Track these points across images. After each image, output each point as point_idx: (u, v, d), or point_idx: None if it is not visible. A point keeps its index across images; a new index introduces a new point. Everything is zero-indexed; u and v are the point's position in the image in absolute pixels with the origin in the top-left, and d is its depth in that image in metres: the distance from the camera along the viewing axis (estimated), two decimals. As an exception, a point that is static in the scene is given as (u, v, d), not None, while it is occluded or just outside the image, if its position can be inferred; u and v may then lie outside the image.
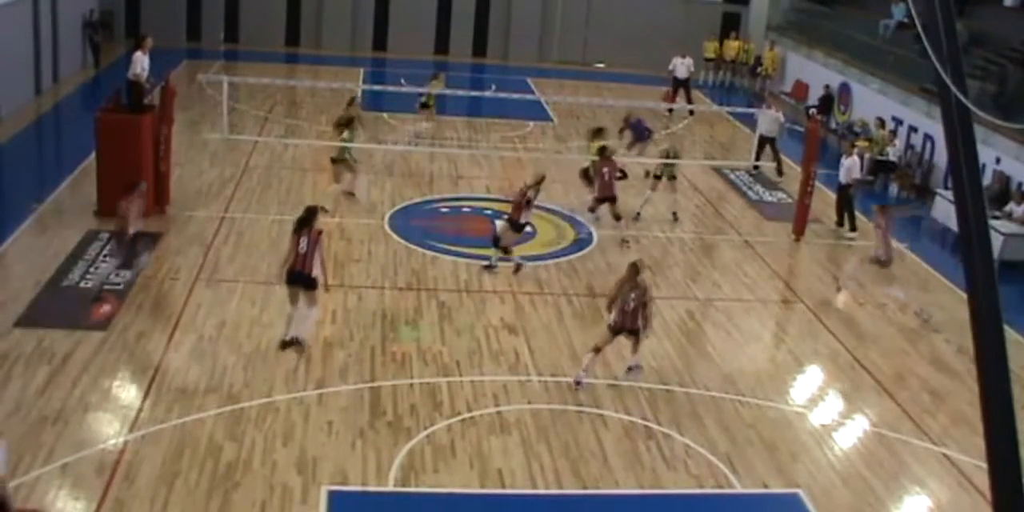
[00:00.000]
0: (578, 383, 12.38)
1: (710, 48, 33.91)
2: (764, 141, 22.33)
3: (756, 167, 22.56)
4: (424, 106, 22.74)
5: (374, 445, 10.84)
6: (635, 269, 12.41)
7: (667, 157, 19.45)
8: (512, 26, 35.35)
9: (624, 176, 18.30)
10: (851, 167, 19.08)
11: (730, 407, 12.33)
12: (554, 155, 23.02)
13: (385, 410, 11.59)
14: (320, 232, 12.61)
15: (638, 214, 18.92)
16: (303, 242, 12.42)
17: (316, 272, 12.54)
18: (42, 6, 24.91)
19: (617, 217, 17.58)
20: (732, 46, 33.97)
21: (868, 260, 16.07)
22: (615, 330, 12.46)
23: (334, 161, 18.38)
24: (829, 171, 22.39)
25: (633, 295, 12.28)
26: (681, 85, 28.85)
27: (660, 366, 13.20)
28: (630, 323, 12.37)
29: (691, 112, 28.28)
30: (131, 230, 14.87)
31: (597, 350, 12.49)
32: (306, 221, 12.55)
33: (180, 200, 17.88)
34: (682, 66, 28.81)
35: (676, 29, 34.43)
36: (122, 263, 14.81)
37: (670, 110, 27.95)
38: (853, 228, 19.19)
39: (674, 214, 19.26)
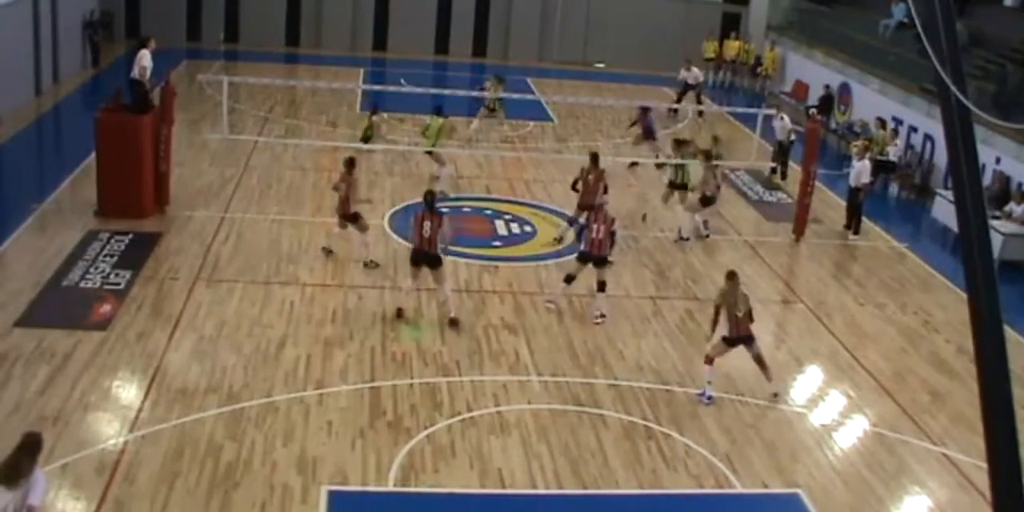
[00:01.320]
0: (708, 397, 12.32)
1: (710, 48, 33.88)
2: (781, 147, 22.57)
3: (774, 170, 22.62)
4: (490, 109, 23.66)
5: (374, 445, 10.84)
6: (735, 277, 12.47)
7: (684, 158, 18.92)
8: (512, 26, 35.36)
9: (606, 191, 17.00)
10: (861, 171, 18.78)
11: (730, 407, 12.33)
12: (554, 155, 23.01)
13: (385, 410, 11.59)
14: (442, 216, 13.85)
15: (704, 224, 18.38)
16: (427, 226, 13.65)
17: (439, 250, 13.88)
18: (42, 6, 24.91)
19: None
20: (732, 46, 33.93)
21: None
22: (732, 341, 12.39)
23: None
24: (827, 171, 22.43)
25: (739, 302, 12.26)
26: (690, 89, 28.82)
27: (660, 366, 13.20)
28: (744, 330, 12.35)
29: (700, 113, 28.24)
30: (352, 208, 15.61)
31: (710, 361, 12.44)
32: (429, 205, 13.78)
33: (180, 200, 17.88)
34: (690, 76, 28.85)
35: (676, 29, 34.46)
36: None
37: (675, 110, 27.98)
38: (856, 231, 19.10)
39: (643, 216, 18.95)
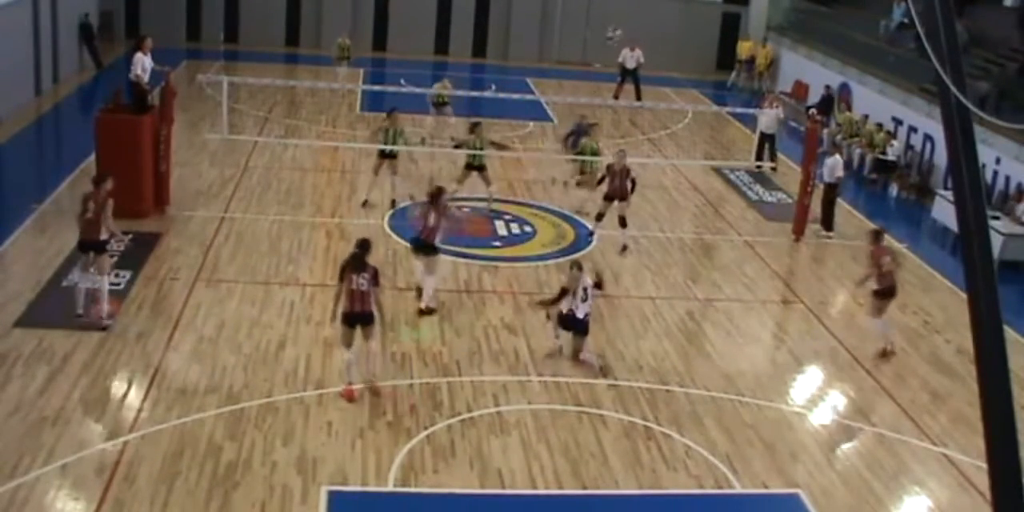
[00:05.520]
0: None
1: (744, 49, 33.57)
2: (764, 139, 22.34)
3: (759, 167, 22.48)
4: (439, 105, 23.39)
5: (374, 445, 10.85)
6: (574, 264, 13.06)
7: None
8: (512, 26, 35.36)
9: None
10: (834, 166, 18.82)
11: (730, 407, 12.33)
12: (554, 155, 23.01)
13: (385, 410, 11.60)
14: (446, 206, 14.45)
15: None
16: (431, 216, 14.11)
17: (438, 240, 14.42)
18: (42, 7, 24.92)
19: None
20: (762, 52, 33.09)
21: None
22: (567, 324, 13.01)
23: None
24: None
25: (579, 290, 12.77)
26: (629, 75, 29.13)
27: (660, 366, 13.20)
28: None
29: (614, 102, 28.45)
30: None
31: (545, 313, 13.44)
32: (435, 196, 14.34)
33: (180, 200, 17.88)
34: (631, 58, 29.13)
35: (676, 29, 34.44)
36: None
37: (616, 97, 28.56)
38: (830, 227, 18.88)
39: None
